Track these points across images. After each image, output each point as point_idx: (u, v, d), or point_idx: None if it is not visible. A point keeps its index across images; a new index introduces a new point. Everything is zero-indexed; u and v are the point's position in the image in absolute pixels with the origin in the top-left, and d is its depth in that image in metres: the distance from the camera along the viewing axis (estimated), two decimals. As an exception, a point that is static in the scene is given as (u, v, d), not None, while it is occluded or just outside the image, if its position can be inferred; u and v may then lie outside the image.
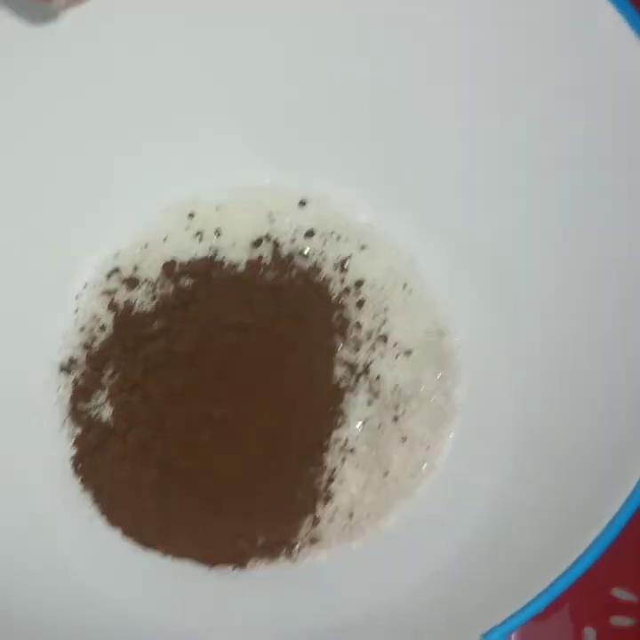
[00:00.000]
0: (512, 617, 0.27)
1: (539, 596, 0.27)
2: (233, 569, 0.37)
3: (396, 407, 0.40)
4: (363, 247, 0.42)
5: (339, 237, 0.42)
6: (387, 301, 0.41)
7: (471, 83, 0.36)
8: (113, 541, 0.37)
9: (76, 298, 0.41)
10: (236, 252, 0.42)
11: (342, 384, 0.40)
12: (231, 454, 0.38)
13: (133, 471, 0.37)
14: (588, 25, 0.32)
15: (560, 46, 0.33)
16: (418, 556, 0.36)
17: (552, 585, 0.27)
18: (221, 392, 0.38)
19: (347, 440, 0.39)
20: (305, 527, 0.38)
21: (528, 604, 0.27)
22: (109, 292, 0.41)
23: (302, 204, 0.43)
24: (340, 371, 0.40)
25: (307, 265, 0.42)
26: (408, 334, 0.41)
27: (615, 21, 0.31)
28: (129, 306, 0.41)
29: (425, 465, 0.39)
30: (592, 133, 0.33)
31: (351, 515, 0.38)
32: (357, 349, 0.41)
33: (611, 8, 0.31)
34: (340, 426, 0.39)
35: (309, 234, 0.42)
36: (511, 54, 0.35)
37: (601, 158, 0.33)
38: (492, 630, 0.27)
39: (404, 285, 0.42)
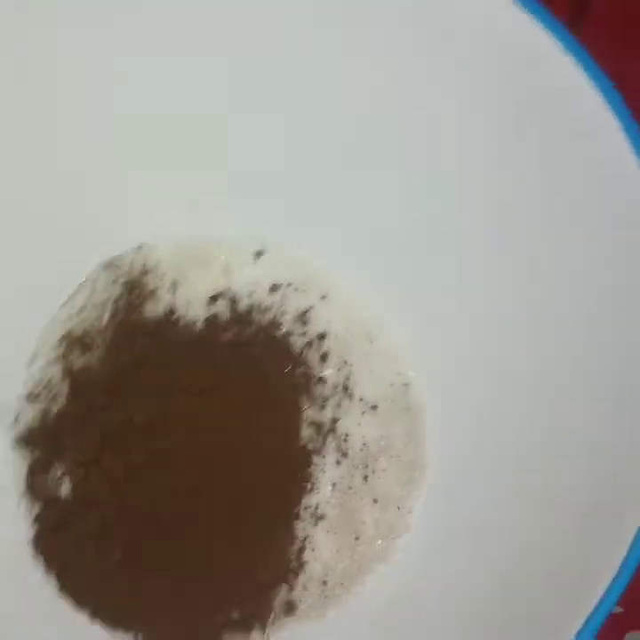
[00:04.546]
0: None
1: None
2: (207, 647, 0.37)
3: (366, 466, 0.39)
4: (323, 297, 0.41)
5: (296, 289, 0.41)
6: (350, 353, 0.41)
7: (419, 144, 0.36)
8: (80, 625, 0.36)
9: (29, 366, 0.40)
10: (193, 310, 0.41)
11: (310, 446, 0.39)
12: (198, 528, 0.36)
13: (97, 552, 0.36)
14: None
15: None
16: (396, 622, 0.35)
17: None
18: (184, 463, 0.37)
19: (317, 505, 0.38)
20: (278, 598, 0.37)
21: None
22: (63, 357, 0.40)
23: (258, 254, 0.42)
24: (306, 431, 0.39)
25: (266, 319, 0.41)
26: (373, 387, 0.40)
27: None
28: (83, 371, 0.39)
29: (397, 526, 0.38)
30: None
31: (325, 582, 0.38)
32: (323, 407, 0.40)
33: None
34: (309, 491, 0.38)
35: (267, 286, 0.41)
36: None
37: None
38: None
39: (366, 335, 0.41)
